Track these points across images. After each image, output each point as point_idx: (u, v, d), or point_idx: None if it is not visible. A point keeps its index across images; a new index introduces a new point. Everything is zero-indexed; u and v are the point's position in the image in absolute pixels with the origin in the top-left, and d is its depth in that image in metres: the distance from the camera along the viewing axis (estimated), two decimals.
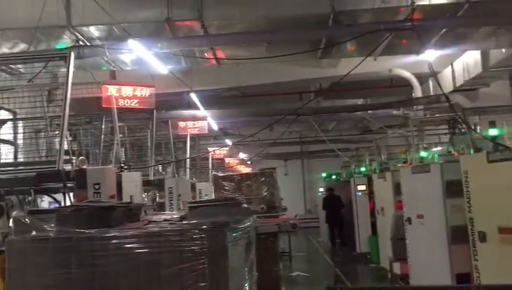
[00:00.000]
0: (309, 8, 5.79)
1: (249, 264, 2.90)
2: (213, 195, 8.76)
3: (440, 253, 6.72)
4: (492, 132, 5.46)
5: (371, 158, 14.42)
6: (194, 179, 11.57)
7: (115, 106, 6.06)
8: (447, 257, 6.56)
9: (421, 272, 7.39)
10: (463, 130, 7.28)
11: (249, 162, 22.06)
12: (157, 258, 2.48)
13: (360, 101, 14.15)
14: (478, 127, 7.23)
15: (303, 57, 8.28)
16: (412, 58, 9.34)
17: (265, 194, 8.03)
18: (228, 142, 14.86)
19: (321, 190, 16.80)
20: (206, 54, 7.03)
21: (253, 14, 5.65)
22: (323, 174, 18.72)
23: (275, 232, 6.46)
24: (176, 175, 8.98)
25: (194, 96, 9.18)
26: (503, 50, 7.75)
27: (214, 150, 12.84)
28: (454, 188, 6.20)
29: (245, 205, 3.38)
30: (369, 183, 12.16)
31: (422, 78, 11.56)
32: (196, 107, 9.95)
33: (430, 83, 11.23)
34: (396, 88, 12.20)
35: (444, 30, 6.18)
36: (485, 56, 8.41)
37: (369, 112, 13.09)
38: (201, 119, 10.65)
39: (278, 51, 7.14)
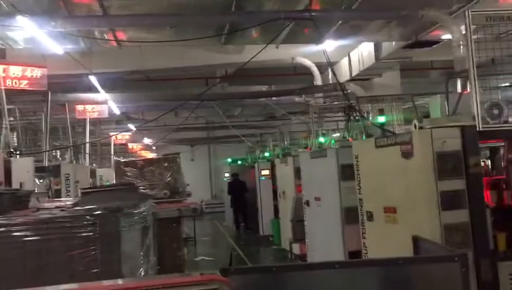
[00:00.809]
0: None
1: (145, 249, 2.89)
2: (114, 181, 8.52)
3: (335, 233, 7.15)
4: (381, 119, 5.88)
5: (275, 144, 14.86)
6: (95, 165, 11.15)
7: (3, 87, 5.64)
8: (341, 236, 6.99)
9: (318, 251, 7.81)
10: (357, 118, 7.75)
11: (154, 148, 21.67)
12: (45, 245, 2.40)
13: (264, 88, 14.47)
14: (370, 115, 7.75)
15: (209, 42, 8.27)
16: (313, 48, 9.71)
17: (168, 179, 7.97)
18: (132, 127, 14.47)
19: (227, 175, 17.01)
20: (105, 35, 6.76)
21: None
22: (229, 160, 18.94)
23: (177, 217, 6.47)
24: (74, 161, 8.58)
25: (93, 79, 8.80)
26: (393, 43, 8.32)
27: (115, 135, 12.43)
28: (348, 172, 6.59)
29: (142, 190, 3.34)
30: (273, 168, 12.55)
31: (323, 67, 12.08)
32: (96, 90, 9.55)
33: (329, 71, 11.76)
34: (300, 76, 12.65)
35: (341, 22, 6.49)
36: (377, 48, 8.98)
37: (273, 98, 13.44)
38: (101, 103, 10.24)
39: (183, 34, 7.07)
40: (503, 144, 5.24)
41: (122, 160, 8.82)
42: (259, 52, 5.87)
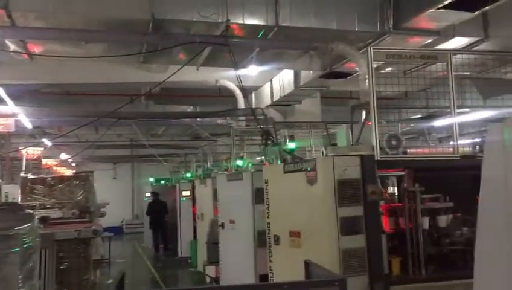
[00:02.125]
0: (131, 12, 5.75)
1: (26, 273, 2.76)
2: (19, 199, 8.07)
3: (247, 256, 7.22)
4: (291, 145, 6.07)
5: (198, 164, 14.81)
6: (0, 181, 10.52)
7: None
8: (253, 259, 7.07)
9: (231, 274, 7.83)
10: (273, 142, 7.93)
11: (74, 164, 20.82)
12: None
13: (190, 108, 14.47)
14: (287, 140, 7.98)
15: (132, 59, 8.17)
16: (239, 71, 9.89)
17: (79, 198, 7.68)
18: (47, 142, 13.83)
19: (148, 194, 16.67)
20: (16, 47, 6.47)
21: (69, 10, 5.40)
22: (151, 179, 18.60)
23: (87, 238, 6.24)
24: None
25: (0, 91, 8.35)
26: (311, 72, 8.66)
27: (21, 149, 11.81)
28: (262, 195, 6.71)
29: (28, 210, 3.21)
30: (194, 189, 12.48)
31: (247, 91, 12.32)
32: (4, 103, 9.07)
33: (253, 96, 11.99)
34: (225, 98, 12.80)
35: (258, 49, 6.68)
36: (297, 76, 9.30)
37: (198, 119, 13.46)
38: (10, 116, 9.73)
39: (106, 50, 6.93)
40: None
41: (30, 176, 8.40)
42: (174, 73, 5.87)
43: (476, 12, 5.59)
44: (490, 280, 2.63)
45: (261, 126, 6.74)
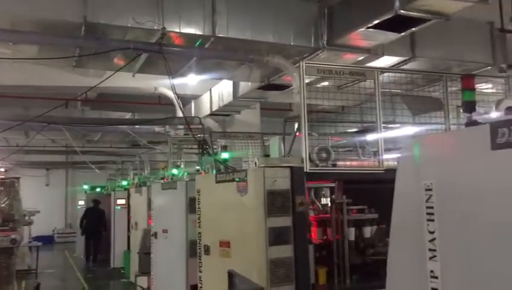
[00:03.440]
0: (62, 14, 5.58)
1: None
2: None
3: (179, 266, 7.14)
4: (224, 155, 6.10)
5: (135, 172, 14.50)
6: None
7: None
8: (184, 270, 7.00)
9: (163, 284, 7.70)
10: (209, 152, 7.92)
11: (3, 170, 19.78)
12: None
13: (128, 115, 14.19)
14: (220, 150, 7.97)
15: (65, 63, 7.90)
16: (178, 80, 9.82)
17: (2, 205, 7.30)
18: None
19: (81, 203, 16.10)
20: None
21: None
22: (85, 187, 18.00)
23: (6, 248, 5.95)
24: None
25: None
26: (249, 83, 8.76)
27: None
28: (195, 205, 6.69)
29: None
30: (129, 197, 12.19)
31: (187, 99, 12.26)
32: None
33: (192, 105, 11.95)
34: (164, 106, 12.66)
35: (195, 58, 6.68)
36: (236, 86, 9.37)
37: (136, 127, 13.21)
38: None
39: (38, 52, 6.66)
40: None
41: None
42: (106, 79, 5.75)
43: (403, 34, 5.88)
44: (401, 286, 2.75)
45: (194, 135, 6.72)
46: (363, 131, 9.93)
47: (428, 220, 2.51)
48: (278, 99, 10.71)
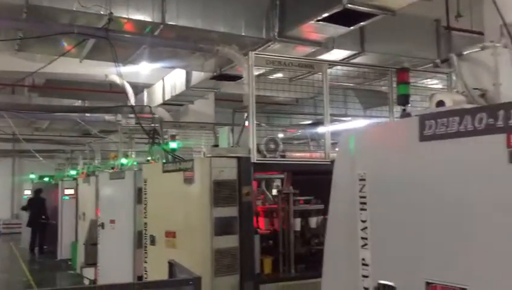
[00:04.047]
0: None
1: None
2: None
3: (126, 257, 7.03)
4: (172, 144, 6.03)
5: (86, 162, 14.14)
6: None
7: None
8: (131, 261, 6.89)
9: (109, 276, 7.56)
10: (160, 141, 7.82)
11: None
12: None
13: (78, 103, 13.77)
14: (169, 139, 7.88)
15: (6, 46, 7.56)
16: (129, 68, 9.60)
17: None
18: None
19: (27, 192, 15.55)
20: None
21: None
22: (32, 176, 17.40)
23: None
24: None
25: None
26: (202, 73, 8.68)
27: None
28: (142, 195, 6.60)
29: None
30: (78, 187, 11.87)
31: (139, 88, 12.02)
32: None
33: (145, 93, 11.73)
34: (116, 94, 12.35)
35: (145, 46, 6.54)
36: (188, 76, 9.26)
37: (87, 115, 12.83)
38: None
39: None
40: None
41: None
42: (47, 64, 5.52)
43: (352, 28, 5.97)
44: (335, 277, 2.80)
45: (145, 124, 6.59)
46: (317, 123, 10.06)
47: (361, 209, 2.57)
48: (232, 90, 10.68)
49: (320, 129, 7.75)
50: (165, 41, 6.15)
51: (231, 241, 4.80)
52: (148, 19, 5.81)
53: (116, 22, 5.74)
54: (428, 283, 2.18)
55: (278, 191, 5.52)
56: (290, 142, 11.66)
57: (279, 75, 8.38)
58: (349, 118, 10.68)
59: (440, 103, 2.49)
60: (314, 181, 5.70)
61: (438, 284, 2.14)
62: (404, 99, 2.69)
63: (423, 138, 2.25)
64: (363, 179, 2.56)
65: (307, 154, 6.50)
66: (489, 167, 2.01)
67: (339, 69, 6.68)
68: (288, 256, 5.17)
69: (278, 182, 7.30)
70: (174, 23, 5.90)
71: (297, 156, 5.86)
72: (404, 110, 2.69)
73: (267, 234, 5.40)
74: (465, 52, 2.81)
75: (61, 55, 6.08)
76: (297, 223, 5.32)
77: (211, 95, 11.48)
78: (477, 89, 2.65)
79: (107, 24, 5.44)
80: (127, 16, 5.70)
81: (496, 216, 1.98)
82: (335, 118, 10.61)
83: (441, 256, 2.15)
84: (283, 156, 5.50)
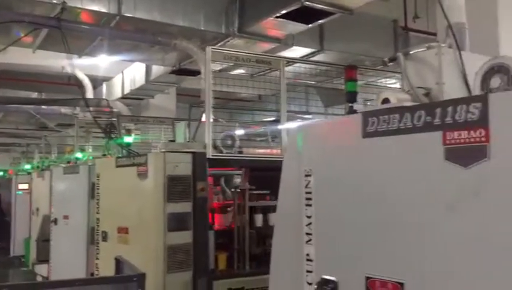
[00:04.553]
0: None
1: None
2: None
3: (79, 253, 6.86)
4: (128, 139, 5.92)
5: (42, 156, 13.73)
6: None
7: None
8: (85, 257, 6.74)
9: (62, 273, 7.37)
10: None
11: None
12: None
13: (35, 95, 13.35)
14: (133, 134, 7.75)
15: None
16: (91, 60, 9.36)
17: None
18: None
19: None
20: None
21: None
22: None
23: None
24: None
25: None
26: (162, 67, 8.56)
27: None
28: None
29: None
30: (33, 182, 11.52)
31: (98, 81, 11.76)
32: None
33: (104, 87, 11.49)
34: (74, 86, 12.03)
35: (100, 38, 6.39)
36: (148, 70, 9.12)
37: (43, 107, 12.45)
38: None
39: None
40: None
41: None
42: None
43: (310, 25, 6.01)
44: (281, 272, 2.81)
45: (95, 118, 6.46)
46: (277, 120, 10.05)
47: (307, 205, 2.58)
48: (195, 85, 10.58)
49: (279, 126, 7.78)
50: (122, 34, 6.03)
51: (185, 237, 4.74)
52: (103, 9, 5.67)
53: (71, 12, 5.59)
54: (368, 278, 2.20)
55: (234, 188, 5.50)
56: (253, 138, 11.69)
57: (241, 71, 8.37)
58: (310, 116, 10.78)
59: (385, 101, 2.52)
60: (273, 178, 5.72)
61: (376, 279, 2.17)
62: (351, 97, 2.72)
63: (366, 134, 2.27)
64: (309, 175, 2.57)
65: (267, 151, 6.50)
66: (427, 164, 2.04)
67: (299, 67, 6.71)
68: (243, 252, 5.16)
69: (239, 179, 7.29)
70: (131, 15, 5.79)
71: (257, 152, 5.85)
72: (351, 107, 2.72)
73: (223, 230, 5.37)
74: (411, 52, 2.85)
75: (9, 44, 5.85)
76: (257, 219, 5.32)
77: (172, 90, 11.36)
78: (421, 87, 2.70)
79: (59, 13, 5.28)
80: (81, 6, 5.55)
81: (432, 213, 2.02)
82: (297, 115, 10.71)
83: (380, 251, 2.18)
84: (240, 152, 5.48)
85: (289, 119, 8.24)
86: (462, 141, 1.90)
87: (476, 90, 2.39)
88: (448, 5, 2.96)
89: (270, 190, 5.54)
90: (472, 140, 1.86)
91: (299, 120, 9.74)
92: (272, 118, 12.07)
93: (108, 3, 5.65)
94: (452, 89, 2.65)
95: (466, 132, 1.88)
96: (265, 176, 5.58)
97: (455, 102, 1.95)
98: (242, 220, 5.27)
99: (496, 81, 2.27)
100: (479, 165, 1.85)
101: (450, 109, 1.94)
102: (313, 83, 9.98)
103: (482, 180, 1.85)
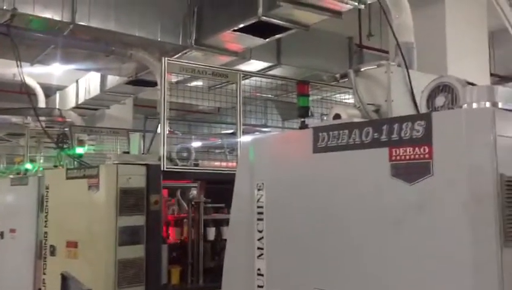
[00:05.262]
0: None
1: None
2: None
3: (26, 268, 6.58)
4: (79, 150, 5.76)
5: None
6: None
7: None
8: (32, 272, 6.46)
9: (9, 288, 7.04)
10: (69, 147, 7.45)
11: None
12: None
13: None
14: (86, 145, 7.55)
15: None
16: (45, 68, 9.08)
17: None
18: None
19: None
20: None
21: None
22: None
23: None
24: None
25: None
26: (117, 77, 8.42)
27: None
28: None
29: None
30: None
31: (52, 90, 11.44)
32: None
33: (57, 95, 11.18)
34: (26, 95, 11.63)
35: (53, 46, 6.22)
36: (103, 79, 8.95)
37: None
38: None
39: None
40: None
41: None
42: None
43: (267, 40, 6.07)
44: (233, 287, 2.78)
45: (44, 128, 6.27)
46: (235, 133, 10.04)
47: (258, 219, 2.57)
48: (152, 96, 10.46)
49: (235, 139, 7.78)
50: (75, 42, 5.89)
51: (137, 251, 4.63)
52: (56, 17, 5.53)
53: (22, 19, 5.42)
54: None
55: (188, 200, 5.43)
56: (212, 151, 11.63)
57: (200, 83, 8.34)
58: (269, 129, 10.83)
59: (337, 116, 2.56)
60: (230, 191, 5.69)
61: None
62: (303, 111, 2.75)
63: (316, 149, 2.30)
64: (261, 189, 2.57)
65: (223, 164, 6.47)
66: (374, 180, 2.09)
67: (257, 80, 6.76)
68: (197, 266, 5.09)
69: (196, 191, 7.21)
70: (85, 24, 5.66)
71: (213, 165, 5.82)
72: (303, 121, 2.75)
73: (177, 243, 5.29)
74: (362, 69, 2.93)
75: None
76: (210, 233, 5.27)
77: (129, 101, 11.19)
78: (371, 104, 2.76)
79: (9, 20, 5.11)
80: (33, 13, 5.39)
81: (379, 227, 2.06)
82: (255, 128, 10.74)
83: (328, 265, 2.20)
84: (196, 165, 5.44)
85: (247, 132, 8.30)
86: (407, 157, 1.95)
87: (422, 108, 2.48)
88: (397, 25, 3.06)
89: (226, 203, 5.52)
90: (417, 157, 1.92)
91: (257, 133, 9.78)
92: (231, 131, 12.08)
93: (61, 11, 5.51)
94: (401, 106, 2.73)
95: (411, 148, 1.94)
96: (222, 189, 5.54)
97: (401, 120, 2.01)
98: (196, 234, 5.21)
99: (440, 100, 2.36)
100: (423, 181, 1.90)
101: (396, 126, 1.99)
102: (271, 96, 10.08)
103: (425, 196, 1.90)
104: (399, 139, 1.98)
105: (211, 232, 5.33)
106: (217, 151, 11.84)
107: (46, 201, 5.33)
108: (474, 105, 1.92)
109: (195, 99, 8.01)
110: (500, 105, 1.87)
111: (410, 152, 1.93)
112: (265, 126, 11.50)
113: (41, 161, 9.82)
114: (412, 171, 1.92)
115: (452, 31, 5.19)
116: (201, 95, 7.67)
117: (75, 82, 10.25)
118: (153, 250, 4.70)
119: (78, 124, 8.31)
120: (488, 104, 1.87)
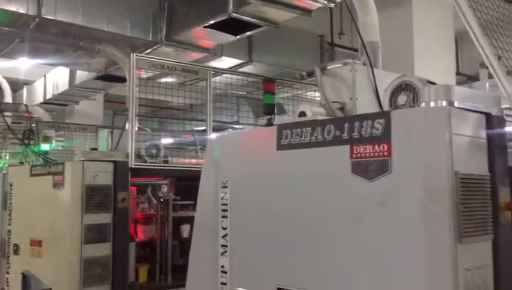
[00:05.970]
0: None
1: None
2: None
3: None
4: (45, 146, 5.64)
5: None
6: None
7: None
8: None
9: None
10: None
11: None
12: None
13: None
14: (53, 141, 7.39)
15: None
16: (11, 63, 8.85)
17: None
18: None
19: None
20: None
21: None
22: None
23: None
24: None
25: None
26: (86, 72, 8.27)
27: None
28: None
29: None
30: None
31: (19, 84, 11.16)
32: None
33: (24, 90, 10.92)
34: None
35: (18, 40, 6.06)
36: (72, 75, 8.77)
37: None
38: None
39: None
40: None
41: None
42: None
43: (238, 37, 6.06)
44: (197, 285, 2.77)
45: (8, 124, 6.10)
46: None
47: (223, 216, 2.56)
48: (123, 92, 10.31)
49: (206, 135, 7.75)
50: (41, 36, 5.75)
51: (103, 249, 4.55)
52: (21, 10, 5.38)
53: None
54: (279, 289, 2.22)
55: (157, 198, 5.38)
56: (184, 148, 11.53)
57: (171, 79, 8.25)
58: (241, 126, 10.80)
59: (302, 114, 2.57)
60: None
61: (288, 289, 2.19)
62: (269, 109, 2.75)
63: (280, 147, 2.30)
64: (226, 187, 2.56)
65: (194, 161, 6.43)
66: (336, 177, 2.10)
67: (228, 77, 6.73)
68: (165, 264, 5.06)
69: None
70: (51, 17, 5.54)
71: (182, 162, 5.77)
72: (269, 119, 2.75)
73: (145, 241, 5.24)
74: (329, 67, 2.94)
75: None
76: (179, 230, 5.24)
77: (99, 96, 11.01)
78: (336, 102, 2.78)
79: None
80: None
81: (340, 224, 2.08)
82: (227, 125, 10.70)
83: (291, 262, 2.21)
84: (166, 162, 5.39)
85: (219, 129, 8.25)
86: (367, 155, 1.97)
87: (386, 107, 2.51)
88: (363, 24, 3.08)
89: (196, 200, 5.49)
90: (376, 154, 1.94)
91: (229, 130, 9.73)
92: (203, 128, 12.01)
93: (27, 4, 5.37)
94: (365, 105, 2.76)
95: (371, 146, 1.96)
96: (193, 186, 5.53)
97: (361, 117, 2.03)
98: (165, 231, 5.17)
99: (402, 99, 2.39)
100: (382, 177, 1.92)
101: (357, 124, 2.01)
102: (243, 93, 10.06)
103: (384, 193, 1.93)
104: (359, 136, 2.00)
105: (180, 230, 5.32)
106: (190, 148, 11.77)
107: (10, 198, 5.20)
108: (432, 104, 1.95)
109: (166, 96, 7.94)
110: (456, 104, 1.91)
111: (370, 150, 1.95)
112: (238, 123, 11.48)
113: (7, 157, 9.58)
114: (372, 169, 1.94)
115: (419, 31, 5.28)
116: (172, 92, 7.61)
117: (43, 77, 10.02)
118: (120, 248, 4.63)
119: (46, 119, 8.13)
120: (444, 103, 1.91)
